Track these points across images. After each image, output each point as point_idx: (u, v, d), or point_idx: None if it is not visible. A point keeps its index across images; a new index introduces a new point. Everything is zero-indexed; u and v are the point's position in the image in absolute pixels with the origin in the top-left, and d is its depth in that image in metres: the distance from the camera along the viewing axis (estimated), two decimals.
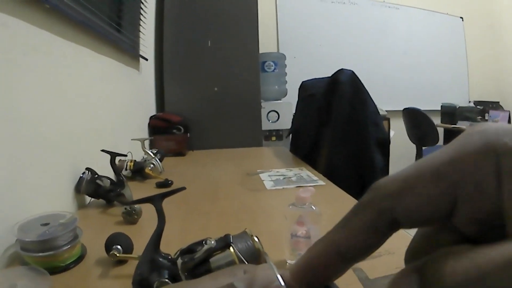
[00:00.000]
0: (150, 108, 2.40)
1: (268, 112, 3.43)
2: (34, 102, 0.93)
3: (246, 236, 0.55)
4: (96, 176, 1.14)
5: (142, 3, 2.09)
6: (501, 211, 0.15)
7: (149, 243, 0.56)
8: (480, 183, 0.15)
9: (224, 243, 0.51)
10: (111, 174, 1.18)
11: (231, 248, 0.51)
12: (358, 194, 1.21)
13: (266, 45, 3.79)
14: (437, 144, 3.85)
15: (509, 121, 3.89)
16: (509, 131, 0.16)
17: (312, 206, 0.71)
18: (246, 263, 0.50)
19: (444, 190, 0.16)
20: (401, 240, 0.84)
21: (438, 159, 0.17)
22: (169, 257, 0.56)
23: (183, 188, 0.62)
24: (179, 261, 0.53)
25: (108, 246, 0.72)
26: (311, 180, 1.45)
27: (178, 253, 0.55)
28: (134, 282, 0.53)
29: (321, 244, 0.20)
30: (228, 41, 2.58)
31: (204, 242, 0.47)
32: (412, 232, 0.26)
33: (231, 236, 0.53)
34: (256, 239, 0.54)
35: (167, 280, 0.51)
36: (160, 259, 0.55)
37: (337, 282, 0.66)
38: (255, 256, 0.53)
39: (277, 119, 3.46)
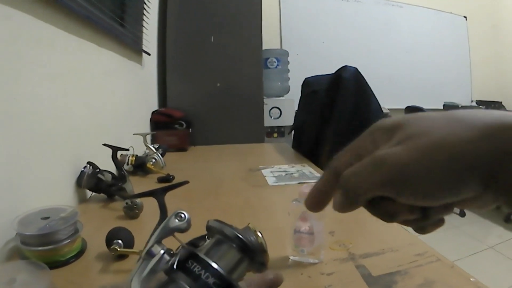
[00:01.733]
0: (153, 103, 2.39)
1: (271, 109, 3.43)
2: (37, 96, 0.92)
3: (249, 231, 0.54)
4: (98, 170, 1.13)
5: None
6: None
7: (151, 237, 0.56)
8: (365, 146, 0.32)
9: None
10: (112, 168, 1.18)
11: None
12: None
13: (269, 41, 3.78)
14: None
15: None
16: (385, 120, 0.32)
17: None
18: None
19: (353, 152, 0.33)
20: (404, 239, 0.84)
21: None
22: (171, 252, 0.55)
23: (186, 182, 0.61)
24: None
25: (109, 241, 0.71)
26: (313, 176, 1.44)
27: (180, 247, 0.54)
28: None
29: (320, 184, 0.35)
30: (231, 37, 2.57)
31: (207, 237, 0.46)
32: (413, 231, 0.34)
33: None
34: (259, 234, 0.53)
35: None
36: None
37: (341, 279, 0.66)
38: (258, 251, 0.52)
39: (280, 116, 3.45)
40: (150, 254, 0.40)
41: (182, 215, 0.43)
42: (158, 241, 0.41)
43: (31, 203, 0.84)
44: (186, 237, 0.57)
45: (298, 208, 0.70)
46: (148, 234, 0.58)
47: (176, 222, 0.42)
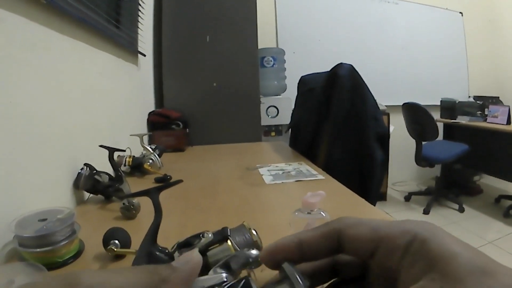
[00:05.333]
0: (149, 104, 2.39)
1: (268, 108, 3.43)
2: (32, 98, 0.92)
3: (244, 229, 0.54)
4: (95, 171, 1.14)
5: None
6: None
7: (146, 237, 0.56)
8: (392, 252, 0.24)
9: (222, 236, 0.51)
10: (109, 170, 1.18)
11: (228, 241, 0.51)
12: (357, 188, 1.21)
13: (265, 40, 3.79)
14: (437, 139, 3.84)
15: (508, 116, 3.87)
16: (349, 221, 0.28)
17: (322, 212, 0.60)
18: None
19: (370, 246, 0.25)
20: None
21: (380, 228, 0.25)
22: (166, 251, 0.56)
23: (180, 181, 0.61)
24: (176, 254, 0.52)
25: (106, 241, 0.72)
26: (310, 174, 1.44)
27: (175, 246, 0.54)
28: None
29: (291, 237, 0.28)
30: (227, 37, 2.57)
31: (201, 235, 0.46)
32: None
33: (228, 229, 0.52)
34: (254, 232, 0.54)
35: None
36: (157, 253, 0.55)
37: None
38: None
39: (277, 114, 3.45)
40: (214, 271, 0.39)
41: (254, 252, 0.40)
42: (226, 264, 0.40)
43: (29, 205, 0.85)
44: (182, 236, 0.57)
45: (300, 220, 0.60)
46: (144, 234, 0.58)
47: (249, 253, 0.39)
